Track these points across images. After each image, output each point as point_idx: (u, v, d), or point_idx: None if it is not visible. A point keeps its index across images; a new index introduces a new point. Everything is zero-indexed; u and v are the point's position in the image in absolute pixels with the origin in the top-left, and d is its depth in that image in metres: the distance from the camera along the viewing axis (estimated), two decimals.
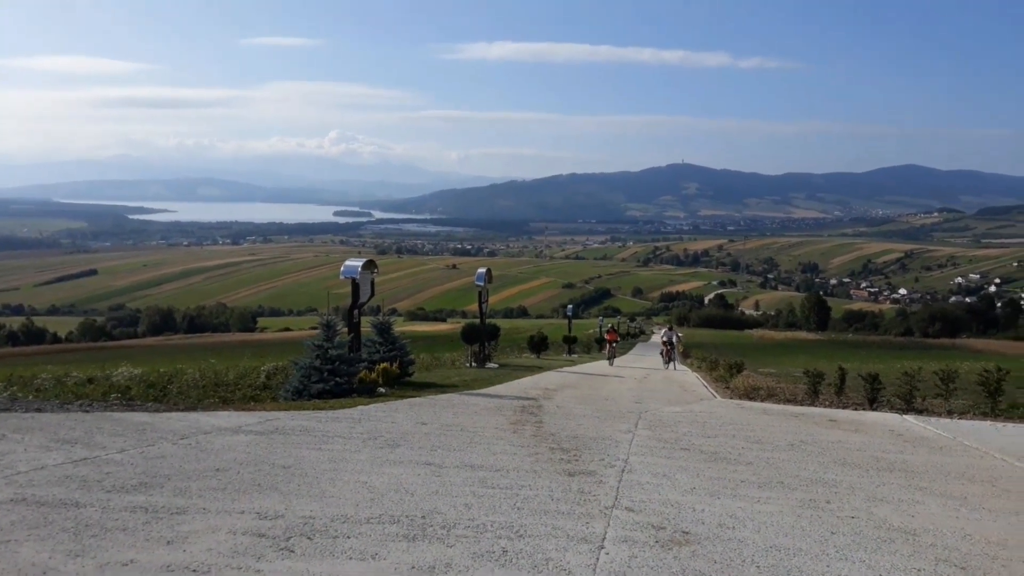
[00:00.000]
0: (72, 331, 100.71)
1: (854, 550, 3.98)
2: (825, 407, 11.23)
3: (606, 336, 30.80)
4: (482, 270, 21.39)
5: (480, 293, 21.57)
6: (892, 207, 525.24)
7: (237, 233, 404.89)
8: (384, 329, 14.34)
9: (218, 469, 5.38)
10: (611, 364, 27.60)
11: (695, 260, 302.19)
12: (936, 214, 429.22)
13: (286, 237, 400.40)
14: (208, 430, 7.04)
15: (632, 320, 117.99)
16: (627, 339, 70.92)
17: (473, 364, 20.40)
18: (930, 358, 38.53)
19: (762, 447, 7.26)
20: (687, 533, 4.21)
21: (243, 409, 8.60)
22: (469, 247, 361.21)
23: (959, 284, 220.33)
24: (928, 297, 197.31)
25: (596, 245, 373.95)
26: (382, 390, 12.08)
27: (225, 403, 12.12)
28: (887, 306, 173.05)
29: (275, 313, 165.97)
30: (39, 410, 8.01)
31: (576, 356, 37.19)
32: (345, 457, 6.04)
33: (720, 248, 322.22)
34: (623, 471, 5.90)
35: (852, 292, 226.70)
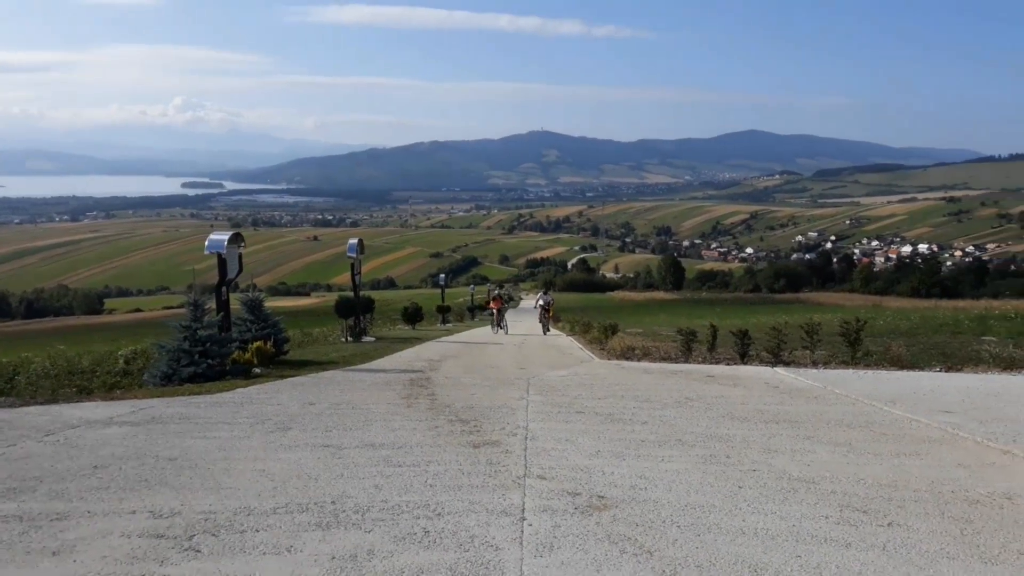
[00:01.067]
0: None
1: (763, 502, 4.13)
2: (699, 363, 11.70)
3: (492, 304, 30.11)
4: (353, 240, 20.79)
5: (352, 264, 20.95)
6: (737, 171, 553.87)
7: (76, 209, 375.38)
8: (255, 306, 13.67)
9: (96, 466, 4.93)
10: (495, 332, 26.89)
11: (558, 226, 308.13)
12: (777, 176, 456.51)
13: (131, 212, 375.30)
14: (75, 424, 6.46)
15: (501, 287, 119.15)
16: None
17: (349, 339, 19.86)
18: (779, 312, 41.19)
19: (652, 406, 7.45)
20: (603, 498, 4.23)
21: (110, 399, 7.95)
22: (331, 218, 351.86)
23: (800, 242, 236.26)
24: (772, 255, 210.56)
25: (461, 213, 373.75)
26: (257, 370, 11.55)
27: (85, 393, 11.25)
28: (736, 265, 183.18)
29: (123, 293, 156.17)
30: None
31: (451, 325, 37.17)
32: (235, 444, 5.70)
33: (580, 214, 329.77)
34: (526, 438, 5.88)
35: (703, 253, 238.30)
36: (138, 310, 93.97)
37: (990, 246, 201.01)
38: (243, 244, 12.41)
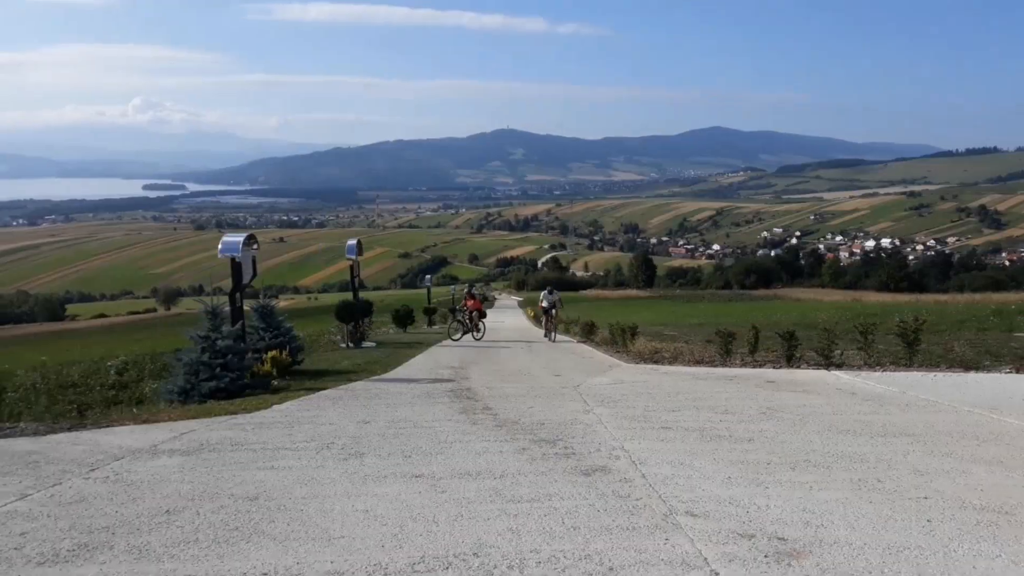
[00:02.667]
0: None
1: (974, 541, 3.55)
2: (739, 366, 11.20)
3: (469, 303, 27.24)
4: (352, 241, 19.88)
5: (352, 266, 19.99)
6: (702, 167, 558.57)
7: (33, 213, 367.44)
8: (267, 313, 12.88)
9: (168, 511, 4.20)
10: (476, 337, 23.76)
11: (526, 225, 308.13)
12: (742, 173, 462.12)
13: (91, 215, 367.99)
14: (118, 454, 5.69)
15: (472, 287, 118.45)
16: None
17: (350, 344, 19.04)
18: (757, 307, 41.14)
19: (738, 418, 6.88)
20: (784, 540, 3.63)
21: (142, 421, 7.15)
22: (296, 219, 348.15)
23: (765, 238, 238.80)
24: (739, 251, 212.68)
25: (429, 213, 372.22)
26: (275, 382, 10.80)
27: (82, 409, 10.47)
28: (704, 261, 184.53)
29: (85, 298, 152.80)
30: None
31: (437, 327, 36.32)
32: (313, 476, 4.99)
33: (549, 212, 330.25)
34: (634, 463, 5.26)
35: (671, 250, 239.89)
36: (103, 315, 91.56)
37: (950, 240, 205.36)
38: (257, 246, 11.62)
